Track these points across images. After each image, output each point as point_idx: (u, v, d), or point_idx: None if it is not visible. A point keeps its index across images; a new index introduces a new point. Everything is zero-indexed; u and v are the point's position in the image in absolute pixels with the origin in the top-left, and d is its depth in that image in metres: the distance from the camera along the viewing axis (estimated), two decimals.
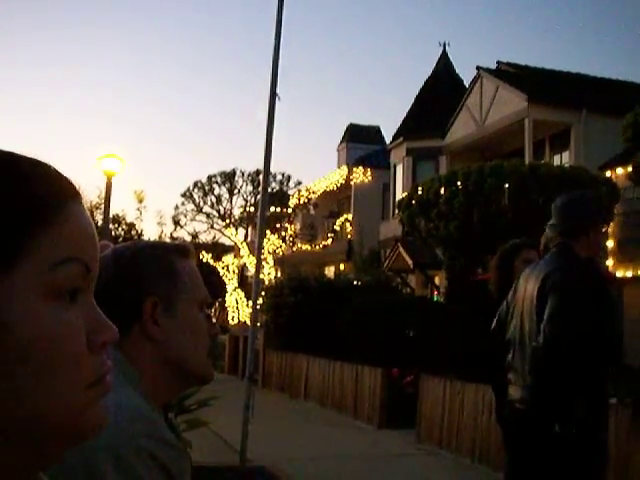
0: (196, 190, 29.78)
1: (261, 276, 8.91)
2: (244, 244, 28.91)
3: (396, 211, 24.11)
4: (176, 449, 1.41)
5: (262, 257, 9.04)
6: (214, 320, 1.72)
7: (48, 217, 0.73)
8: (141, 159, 72.06)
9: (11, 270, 0.70)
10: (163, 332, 1.52)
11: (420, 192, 18.19)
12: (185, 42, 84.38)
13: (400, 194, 24.47)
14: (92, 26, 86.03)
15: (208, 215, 29.88)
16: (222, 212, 29.68)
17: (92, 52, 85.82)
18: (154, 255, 1.58)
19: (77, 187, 0.79)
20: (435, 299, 20.81)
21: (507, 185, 15.87)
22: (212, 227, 30.07)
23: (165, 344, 1.53)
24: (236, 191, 29.79)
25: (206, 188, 29.74)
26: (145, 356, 1.50)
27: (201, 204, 29.81)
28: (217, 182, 29.77)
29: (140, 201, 30.85)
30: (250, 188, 29.78)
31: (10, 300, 0.70)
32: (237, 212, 29.96)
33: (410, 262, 22.51)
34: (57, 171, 0.78)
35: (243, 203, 29.89)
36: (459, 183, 16.81)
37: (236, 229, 29.68)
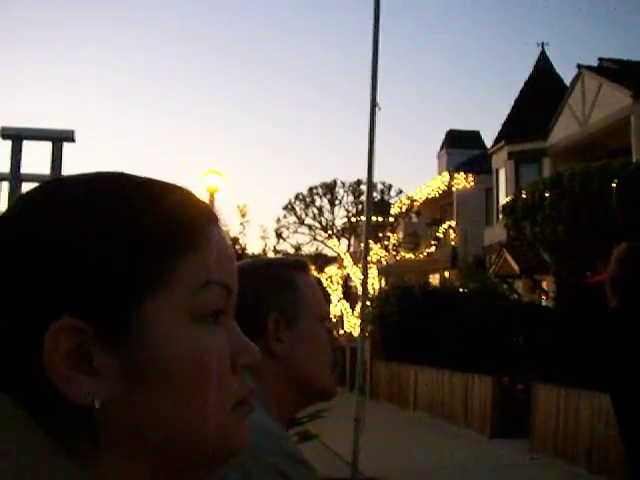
0: (297, 202, 30.04)
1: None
2: (347, 254, 28.95)
3: (500, 216, 23.76)
4: (304, 465, 1.40)
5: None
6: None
7: (190, 243, 0.75)
8: (242, 172, 72.96)
9: (156, 294, 0.72)
10: (286, 348, 1.51)
11: (524, 196, 17.88)
12: (284, 52, 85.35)
13: (503, 198, 24.11)
14: (187, 38, 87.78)
15: (310, 227, 30.10)
16: (324, 223, 29.84)
17: (189, 66, 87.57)
18: (275, 271, 1.58)
19: (215, 210, 0.81)
20: (544, 304, 20.36)
21: (614, 185, 15.43)
22: (314, 239, 30.28)
23: (288, 360, 1.51)
24: (337, 202, 29.92)
25: (307, 200, 29.97)
26: (269, 373, 1.49)
27: (303, 216, 30.06)
28: (318, 193, 29.97)
29: (243, 215, 31.23)
30: (351, 198, 29.89)
31: (156, 324, 0.72)
32: (339, 223, 30.05)
33: (516, 267, 22.10)
34: (196, 196, 0.80)
35: (345, 214, 29.97)
36: (565, 185, 16.44)
37: (338, 240, 29.76)
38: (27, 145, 5.03)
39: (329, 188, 29.84)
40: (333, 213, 30.02)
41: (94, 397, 0.70)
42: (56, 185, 0.78)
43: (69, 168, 5.98)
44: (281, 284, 1.56)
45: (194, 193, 0.81)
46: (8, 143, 4.97)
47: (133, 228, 0.73)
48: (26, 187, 5.23)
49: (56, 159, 5.04)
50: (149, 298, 0.72)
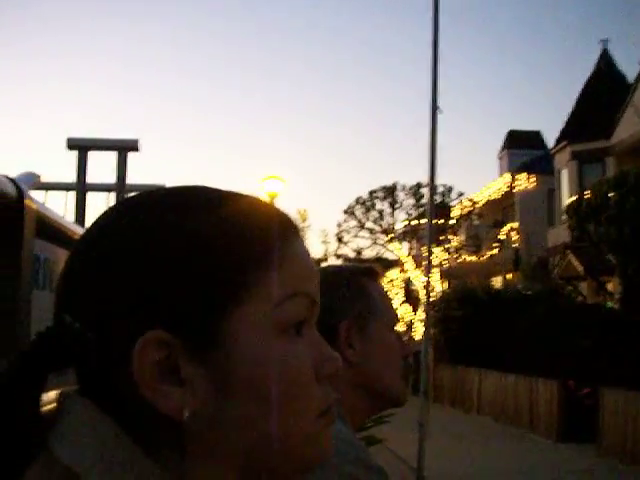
0: (358, 206, 29.99)
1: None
2: (408, 258, 28.81)
3: (563, 217, 23.42)
4: (380, 473, 1.39)
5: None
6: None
7: (274, 255, 0.76)
8: (302, 177, 73.16)
9: (241, 307, 0.73)
10: (358, 355, 1.51)
11: (588, 196, 17.60)
12: (345, 56, 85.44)
13: (567, 199, 23.76)
14: (248, 43, 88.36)
15: (371, 230, 30.02)
16: (385, 227, 29.73)
17: (249, 71, 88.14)
18: (346, 278, 1.58)
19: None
20: (609, 306, 20.02)
21: None
22: (375, 242, 30.18)
23: (360, 367, 1.51)
24: (398, 205, 29.79)
25: (368, 204, 29.89)
26: (341, 380, 1.48)
27: (363, 220, 29.99)
28: (378, 197, 29.87)
29: (303, 220, 31.32)
30: (412, 201, 29.71)
31: (241, 336, 0.73)
32: (399, 226, 29.91)
33: (581, 269, 21.76)
34: (277, 208, 0.82)
35: (405, 217, 29.83)
36: (630, 184, 16.14)
37: (399, 243, 29.64)
38: (92, 155, 5.13)
39: (389, 191, 29.73)
40: (394, 216, 29.90)
41: (182, 408, 0.71)
42: (141, 202, 0.79)
43: (134, 177, 6.07)
44: (353, 291, 1.55)
45: (275, 205, 0.82)
46: (74, 154, 5.06)
47: (217, 243, 0.74)
48: (91, 197, 5.32)
49: (121, 168, 5.11)
50: (234, 311, 0.73)
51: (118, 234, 0.76)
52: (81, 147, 5.06)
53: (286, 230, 0.79)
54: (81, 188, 5.01)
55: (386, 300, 1.62)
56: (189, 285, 0.72)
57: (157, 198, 0.79)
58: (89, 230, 0.80)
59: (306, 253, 0.81)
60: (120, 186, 5.08)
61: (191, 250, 0.73)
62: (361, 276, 1.60)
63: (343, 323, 1.51)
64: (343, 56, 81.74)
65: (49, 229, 2.05)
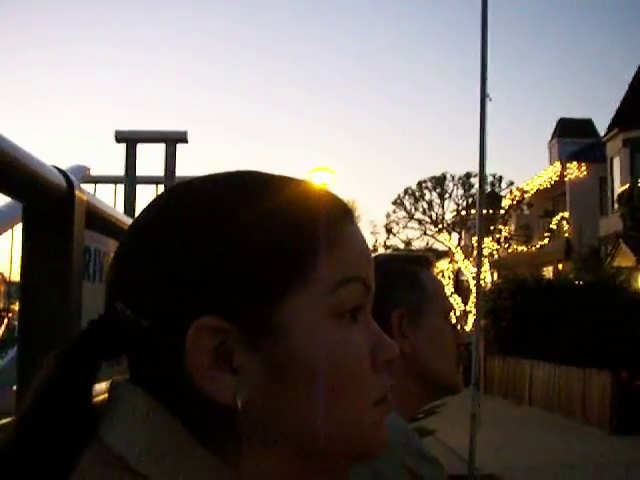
0: (407, 197, 29.90)
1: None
2: (458, 249, 28.65)
3: (616, 205, 23.10)
4: (432, 462, 1.38)
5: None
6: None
7: (328, 240, 0.75)
8: (350, 168, 73.11)
9: (295, 294, 0.72)
10: (411, 344, 1.49)
11: None
12: (391, 46, 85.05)
13: (619, 188, 23.42)
14: (296, 34, 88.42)
15: (420, 221, 29.92)
16: (434, 217, 29.61)
17: (298, 62, 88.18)
18: (399, 267, 1.56)
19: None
20: None
21: None
22: (425, 233, 30.06)
23: (413, 357, 1.49)
24: (447, 195, 29.63)
25: (417, 194, 29.79)
26: (394, 369, 1.47)
27: (412, 211, 29.90)
28: (427, 187, 29.76)
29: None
30: (461, 192, 29.54)
31: (295, 322, 0.72)
32: (449, 216, 29.76)
33: (634, 258, 21.46)
34: (331, 193, 0.80)
35: (454, 207, 29.67)
36: None
37: (449, 234, 29.49)
38: (141, 147, 5.16)
39: (438, 182, 29.58)
40: (443, 207, 29.75)
41: (236, 396, 0.70)
42: (193, 188, 0.79)
43: (183, 169, 6.09)
44: (405, 280, 1.54)
45: (329, 190, 0.81)
46: (122, 146, 5.09)
47: (271, 228, 0.73)
48: (141, 189, 5.34)
49: (170, 160, 5.13)
50: (288, 297, 0.72)
51: (170, 221, 0.75)
52: (129, 140, 5.09)
53: (341, 215, 0.78)
54: (130, 181, 5.04)
55: (439, 289, 1.60)
56: (243, 271, 0.71)
57: (209, 184, 0.79)
58: (139, 218, 0.79)
59: (361, 238, 0.80)
60: (169, 178, 5.10)
61: (245, 236, 0.72)
62: (414, 265, 1.59)
63: (396, 312, 1.49)
64: (391, 46, 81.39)
65: (99, 220, 2.06)
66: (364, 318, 0.78)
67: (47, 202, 1.69)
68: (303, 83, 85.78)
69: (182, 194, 0.78)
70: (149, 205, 0.80)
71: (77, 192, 1.76)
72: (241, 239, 0.72)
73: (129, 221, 2.45)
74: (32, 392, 0.73)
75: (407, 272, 1.56)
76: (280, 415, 0.72)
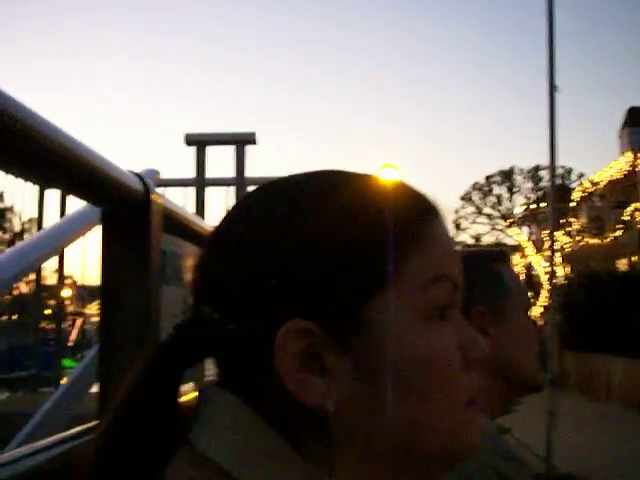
0: (475, 192, 29.66)
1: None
2: (528, 243, 28.31)
3: None
4: (518, 463, 1.35)
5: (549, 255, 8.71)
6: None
7: (417, 238, 0.74)
8: (417, 164, 72.74)
9: (384, 293, 0.71)
10: (493, 341, 1.46)
11: None
12: (456, 38, 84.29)
13: None
14: (360, 35, 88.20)
15: (489, 216, 29.66)
16: (503, 212, 29.30)
17: (362, 60, 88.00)
18: (478, 263, 1.53)
19: (437, 204, 0.79)
20: None
21: None
22: (494, 228, 29.80)
23: (496, 354, 1.46)
24: (516, 189, 29.30)
25: (485, 189, 29.53)
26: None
27: (481, 205, 29.63)
28: (496, 182, 29.48)
29: None
30: (530, 185, 29.18)
31: (385, 323, 0.70)
32: (518, 211, 29.42)
33: None
34: (418, 191, 0.79)
35: (524, 201, 29.31)
36: None
37: (519, 228, 29.15)
38: (210, 150, 5.19)
39: (507, 176, 29.28)
40: (512, 201, 29.46)
41: (327, 399, 0.69)
42: (277, 189, 0.78)
43: (252, 169, 6.12)
44: (484, 276, 1.51)
45: (415, 188, 0.79)
46: (192, 149, 5.13)
47: (359, 228, 0.72)
48: (210, 191, 5.38)
49: (239, 161, 5.15)
50: (378, 297, 0.71)
51: (255, 223, 0.74)
52: (199, 142, 5.13)
53: (428, 212, 0.77)
54: (200, 183, 5.08)
55: (519, 284, 1.57)
56: (331, 271, 0.70)
57: (293, 184, 0.78)
58: (224, 221, 0.79)
59: (448, 235, 0.79)
60: (239, 180, 5.12)
61: (332, 235, 0.71)
62: (493, 260, 1.56)
63: (476, 309, 1.46)
64: (457, 40, 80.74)
65: (174, 223, 2.08)
66: (453, 317, 0.76)
67: (125, 206, 1.71)
68: (368, 81, 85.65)
69: (265, 196, 0.78)
70: (233, 208, 0.80)
71: (154, 196, 1.78)
72: (330, 240, 0.71)
73: (203, 224, 2.47)
74: (120, 397, 0.73)
75: (487, 268, 1.54)
76: (371, 417, 0.71)
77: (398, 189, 0.78)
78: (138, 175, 1.74)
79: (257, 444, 0.70)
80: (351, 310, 0.70)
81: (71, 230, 3.06)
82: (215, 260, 0.76)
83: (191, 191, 5.85)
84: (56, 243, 3.03)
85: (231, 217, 0.78)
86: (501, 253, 1.61)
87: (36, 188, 6.15)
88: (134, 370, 0.74)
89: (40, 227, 6.22)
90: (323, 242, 0.71)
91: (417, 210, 0.76)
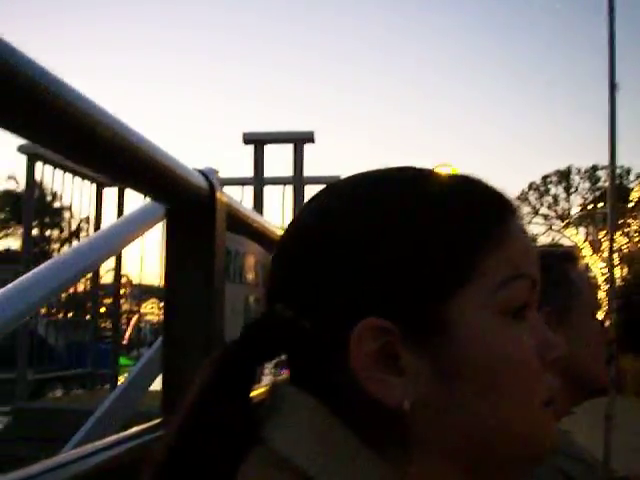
0: (531, 192, 29.38)
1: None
2: (585, 244, 27.95)
3: None
4: (585, 464, 1.32)
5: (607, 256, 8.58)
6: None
7: (494, 236, 0.73)
8: (473, 163, 72.27)
9: (462, 292, 0.70)
10: None
11: None
12: (510, 34, 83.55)
13: None
14: (423, 39, 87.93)
15: (545, 216, 29.38)
16: (559, 212, 28.98)
17: (419, 61, 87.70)
18: (547, 264, 1.50)
19: (514, 201, 0.78)
20: None
21: None
22: (550, 229, 29.49)
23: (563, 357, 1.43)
24: (573, 190, 28.95)
25: (541, 189, 29.24)
26: None
27: (537, 206, 29.35)
28: (552, 182, 29.17)
29: None
30: (587, 185, 28.81)
31: (462, 322, 0.70)
32: (575, 211, 29.07)
33: None
34: (494, 187, 0.78)
35: (581, 201, 28.96)
36: None
37: (575, 229, 28.81)
38: (268, 148, 5.20)
39: (564, 175, 28.95)
40: (569, 201, 29.11)
41: (404, 398, 0.69)
42: (351, 187, 0.77)
43: (310, 168, 6.12)
44: (554, 277, 1.48)
45: (491, 184, 0.79)
46: (250, 148, 5.15)
47: (437, 226, 0.72)
48: (269, 190, 5.40)
49: (298, 160, 5.15)
50: (456, 296, 0.70)
51: (330, 220, 0.74)
52: (257, 141, 5.15)
53: (507, 209, 0.76)
54: (259, 182, 5.10)
55: (587, 285, 1.54)
56: (409, 268, 0.70)
57: (367, 181, 0.77)
58: (298, 219, 0.79)
59: (526, 233, 0.78)
60: (297, 178, 5.12)
61: (410, 232, 0.71)
62: (562, 261, 1.52)
63: (543, 310, 1.43)
64: (513, 38, 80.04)
65: (238, 222, 2.08)
66: (531, 316, 0.75)
67: (190, 204, 1.71)
68: (422, 81, 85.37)
69: (340, 194, 0.77)
70: (307, 205, 0.80)
71: (219, 194, 1.78)
72: (408, 236, 0.71)
73: (266, 222, 2.48)
74: (192, 395, 0.73)
75: (556, 269, 1.50)
76: (448, 418, 0.70)
77: (480, 187, 0.77)
78: (203, 173, 1.74)
79: (334, 444, 0.69)
80: (429, 309, 0.70)
81: (131, 229, 3.08)
82: (289, 257, 0.76)
83: (247, 190, 5.89)
84: (117, 241, 3.06)
85: (305, 214, 0.78)
86: (571, 253, 1.58)
87: (93, 187, 6.25)
88: (206, 368, 0.74)
89: (98, 226, 6.28)
90: (402, 239, 0.70)
91: (496, 207, 0.76)
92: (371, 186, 0.76)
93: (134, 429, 1.50)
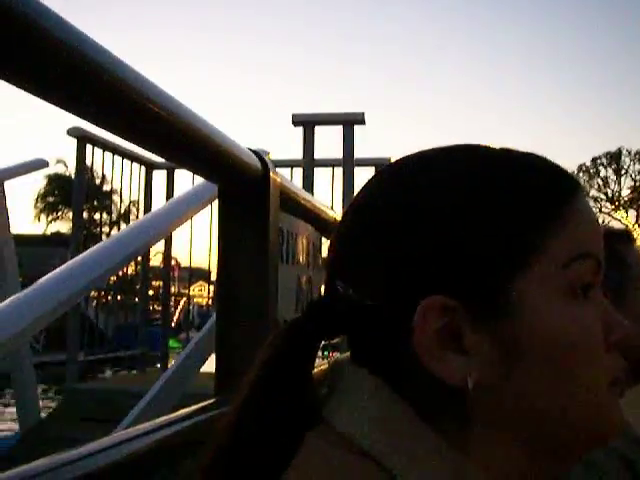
0: (581, 174, 29.07)
1: None
2: (635, 226, 27.62)
3: None
4: None
5: None
6: None
7: (560, 214, 0.71)
8: (519, 144, 71.64)
9: (527, 270, 0.69)
10: None
11: None
12: (562, 22, 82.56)
13: None
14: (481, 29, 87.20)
15: (595, 199, 29.06)
16: (609, 195, 28.64)
17: (471, 46, 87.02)
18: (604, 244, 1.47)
19: (578, 179, 0.77)
20: None
21: None
22: (600, 211, 29.17)
23: None
24: (623, 171, 28.57)
25: (591, 171, 28.90)
26: None
27: (587, 188, 29.02)
28: (602, 163, 28.80)
29: None
30: (638, 167, 28.41)
31: (527, 301, 0.68)
32: (625, 193, 28.71)
33: None
34: (558, 165, 0.77)
35: (631, 184, 28.59)
36: None
37: (626, 211, 28.46)
38: (318, 130, 5.17)
39: (614, 157, 28.56)
40: (619, 183, 28.72)
41: (466, 377, 0.67)
42: (415, 164, 0.76)
43: (360, 150, 6.09)
44: (609, 258, 1.44)
45: (555, 162, 0.77)
46: (299, 130, 5.12)
47: (506, 201, 0.70)
48: (319, 172, 5.37)
49: (347, 142, 5.12)
50: (522, 273, 0.68)
51: (393, 197, 0.73)
52: (306, 123, 5.12)
53: (573, 186, 0.75)
54: (308, 164, 5.08)
55: None
56: (475, 246, 0.68)
57: (433, 157, 0.76)
58: (360, 196, 0.77)
59: (591, 212, 0.76)
60: (347, 160, 5.09)
61: (476, 207, 0.70)
62: (617, 241, 1.48)
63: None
64: (561, 20, 79.10)
65: (291, 202, 2.07)
66: (595, 296, 0.73)
67: (244, 184, 1.71)
68: (473, 61, 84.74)
69: (404, 170, 0.76)
70: (369, 183, 0.79)
71: (272, 174, 1.77)
72: (475, 215, 0.69)
73: (318, 203, 2.46)
74: (254, 372, 0.73)
75: (610, 249, 1.47)
76: (512, 399, 0.69)
77: (544, 164, 0.76)
78: (257, 153, 1.73)
79: (396, 422, 0.68)
80: (494, 288, 0.68)
81: (182, 210, 3.09)
82: (352, 236, 0.75)
83: (296, 172, 5.87)
84: (168, 223, 3.07)
85: (367, 191, 0.77)
86: (625, 233, 1.54)
87: (143, 170, 6.28)
88: (268, 345, 0.74)
89: (147, 209, 6.31)
90: (467, 217, 0.69)
91: (564, 185, 0.74)
92: (436, 162, 0.75)
93: (188, 409, 1.50)
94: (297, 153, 5.26)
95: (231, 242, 1.74)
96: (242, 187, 1.72)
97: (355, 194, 0.80)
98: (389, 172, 0.78)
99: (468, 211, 0.69)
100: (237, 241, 1.73)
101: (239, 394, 0.73)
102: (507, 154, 0.75)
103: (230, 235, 1.74)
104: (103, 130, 1.21)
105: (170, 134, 1.29)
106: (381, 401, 0.70)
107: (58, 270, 2.47)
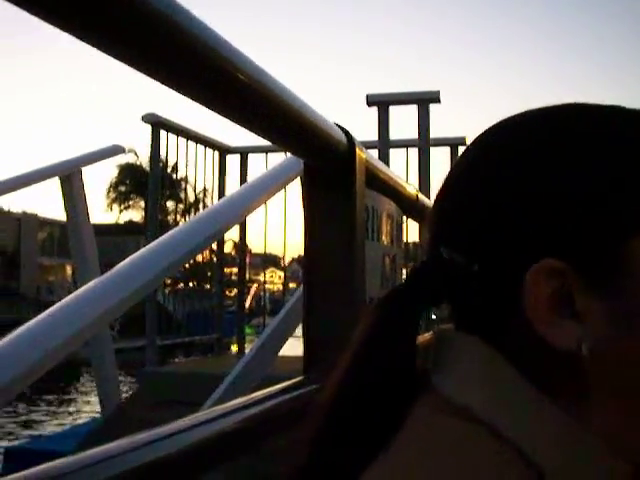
0: None
1: None
2: None
3: None
4: None
5: None
6: None
7: None
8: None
9: None
10: None
11: None
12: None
13: None
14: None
15: None
16: None
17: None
18: None
19: None
20: None
21: None
22: None
23: None
24: None
25: None
26: None
27: None
28: None
29: None
30: None
31: None
32: None
33: None
34: None
35: None
36: None
37: None
38: (393, 110, 5.13)
39: None
40: None
41: (581, 342, 0.64)
42: (519, 125, 0.74)
43: (436, 129, 6.03)
44: None
45: None
46: (374, 110, 5.09)
47: (622, 160, 0.67)
48: (394, 153, 5.33)
49: (423, 121, 5.07)
50: (635, 236, 0.65)
51: (499, 158, 0.71)
52: (381, 103, 5.09)
53: None
54: (384, 145, 5.04)
55: None
56: (587, 207, 0.66)
57: (539, 117, 0.73)
58: (462, 159, 0.76)
59: None
60: (422, 140, 5.05)
61: (592, 168, 0.67)
62: None
63: None
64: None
65: (375, 180, 2.04)
66: None
67: (330, 160, 1.69)
68: (549, 40, 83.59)
69: (509, 129, 0.74)
70: (472, 145, 0.76)
71: (358, 150, 1.75)
72: (589, 173, 0.66)
73: (401, 180, 2.44)
74: (356, 341, 0.71)
75: None
76: (628, 366, 0.65)
77: None
78: (343, 129, 1.70)
79: (510, 389, 0.66)
80: (607, 250, 0.65)
81: (263, 189, 3.07)
82: (456, 198, 0.73)
83: (371, 153, 5.83)
84: (251, 201, 3.05)
85: (470, 155, 0.75)
86: None
87: (216, 155, 6.29)
88: (370, 314, 0.72)
89: (221, 193, 6.33)
90: (580, 176, 0.66)
91: None
92: (543, 120, 0.72)
93: (276, 386, 1.50)
94: (367, 136, 5.22)
95: (318, 218, 1.72)
96: (329, 162, 1.70)
97: (455, 161, 0.78)
98: (492, 133, 0.75)
99: (580, 169, 0.67)
100: (324, 217, 1.71)
101: (338, 367, 0.71)
102: (626, 112, 0.72)
103: (317, 211, 1.72)
104: (177, 115, 1.19)
105: (260, 107, 1.28)
106: (495, 370, 0.67)
107: (136, 255, 2.48)
